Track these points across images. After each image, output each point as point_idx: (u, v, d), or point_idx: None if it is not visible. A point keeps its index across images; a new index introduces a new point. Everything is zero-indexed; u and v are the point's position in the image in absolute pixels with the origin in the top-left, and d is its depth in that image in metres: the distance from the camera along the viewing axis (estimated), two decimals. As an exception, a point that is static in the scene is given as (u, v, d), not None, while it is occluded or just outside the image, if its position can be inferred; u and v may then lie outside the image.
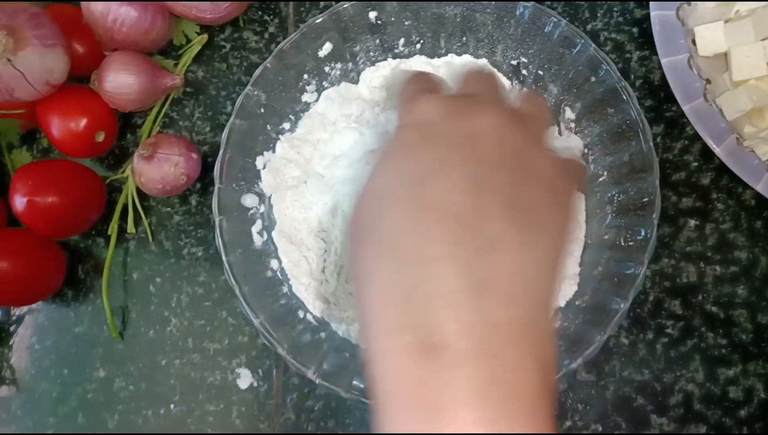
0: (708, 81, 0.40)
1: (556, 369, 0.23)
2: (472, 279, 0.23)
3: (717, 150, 0.40)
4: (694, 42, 0.41)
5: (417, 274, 0.23)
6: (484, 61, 0.43)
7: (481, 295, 0.22)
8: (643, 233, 0.37)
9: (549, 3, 0.45)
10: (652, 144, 0.37)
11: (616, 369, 0.41)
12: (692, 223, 0.42)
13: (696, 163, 0.43)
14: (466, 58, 0.43)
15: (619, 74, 0.38)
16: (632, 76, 0.44)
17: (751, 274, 0.42)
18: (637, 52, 0.44)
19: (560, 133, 0.42)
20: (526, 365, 0.22)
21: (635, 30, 0.44)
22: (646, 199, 0.37)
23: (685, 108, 0.40)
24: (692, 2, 0.41)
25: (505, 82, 0.43)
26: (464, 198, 0.24)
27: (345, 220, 0.39)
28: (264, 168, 0.41)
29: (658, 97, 0.44)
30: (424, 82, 0.31)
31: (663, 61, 0.41)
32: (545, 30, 0.39)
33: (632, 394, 0.41)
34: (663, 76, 0.41)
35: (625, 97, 0.38)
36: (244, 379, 0.42)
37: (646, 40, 0.44)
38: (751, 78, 0.39)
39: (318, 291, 0.39)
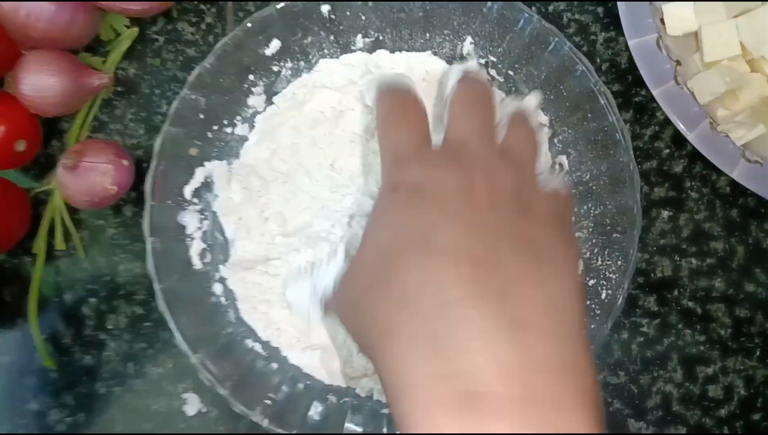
0: (678, 62, 0.38)
1: (600, 401, 0.23)
2: (502, 317, 0.22)
3: (690, 136, 0.37)
4: (662, 21, 0.38)
5: (443, 320, 0.22)
6: (474, 66, 0.37)
7: (515, 333, 0.22)
8: (622, 255, 0.34)
9: (507, -17, 0.41)
10: (632, 154, 0.34)
11: (591, 373, 0.39)
12: (665, 214, 0.40)
13: (667, 150, 0.40)
14: (455, 68, 0.36)
15: (596, 76, 0.35)
16: (598, 60, 0.41)
17: (727, 265, 0.40)
18: (603, 34, 0.41)
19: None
20: (573, 403, 0.21)
21: (600, 10, 0.41)
22: (625, 216, 0.34)
23: (655, 92, 0.38)
24: (659, -22, 0.39)
25: (497, 93, 0.38)
26: (473, 241, 0.23)
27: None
28: (205, 180, 0.37)
29: (626, 81, 0.41)
30: (406, 128, 0.29)
31: (630, 42, 0.38)
32: (516, 27, 0.36)
33: (608, 398, 0.39)
34: (631, 59, 0.38)
35: (603, 102, 0.35)
36: (192, 405, 0.39)
37: (612, 20, 0.41)
38: (724, 58, 0.37)
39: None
